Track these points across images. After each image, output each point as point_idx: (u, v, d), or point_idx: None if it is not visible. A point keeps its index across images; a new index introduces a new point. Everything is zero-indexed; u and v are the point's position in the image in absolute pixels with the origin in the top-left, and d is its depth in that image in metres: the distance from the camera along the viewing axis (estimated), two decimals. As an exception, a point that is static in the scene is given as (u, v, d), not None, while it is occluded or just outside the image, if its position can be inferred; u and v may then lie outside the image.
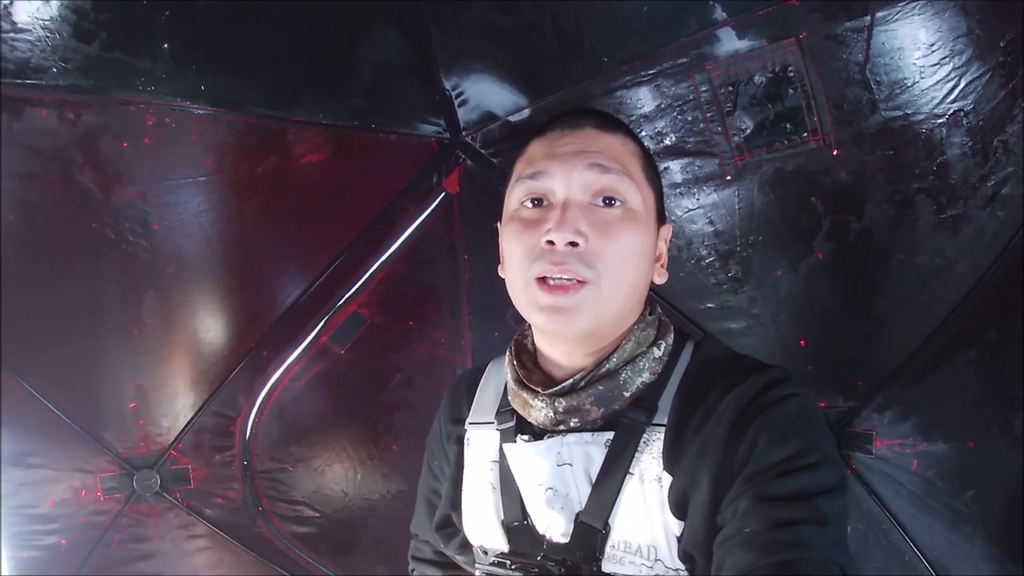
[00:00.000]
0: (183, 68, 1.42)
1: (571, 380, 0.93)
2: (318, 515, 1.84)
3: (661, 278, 1.01)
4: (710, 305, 1.49)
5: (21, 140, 1.39)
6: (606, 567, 0.88)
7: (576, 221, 0.88)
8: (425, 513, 1.17)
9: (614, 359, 0.93)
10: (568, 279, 0.87)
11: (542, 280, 0.89)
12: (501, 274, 1.01)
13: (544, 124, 0.99)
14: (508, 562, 0.96)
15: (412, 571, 1.21)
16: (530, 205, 0.93)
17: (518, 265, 0.92)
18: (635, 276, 0.92)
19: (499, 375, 1.11)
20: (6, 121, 1.36)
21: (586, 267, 0.87)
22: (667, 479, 0.86)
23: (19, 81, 1.33)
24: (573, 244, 0.87)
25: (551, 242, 0.88)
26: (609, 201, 0.91)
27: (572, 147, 0.92)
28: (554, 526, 0.93)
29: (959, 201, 1.15)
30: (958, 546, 1.19)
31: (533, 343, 1.03)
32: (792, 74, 1.23)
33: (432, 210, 1.84)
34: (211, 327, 1.70)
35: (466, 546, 1.06)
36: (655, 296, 1.53)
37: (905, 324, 1.25)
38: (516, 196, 0.95)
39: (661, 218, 1.00)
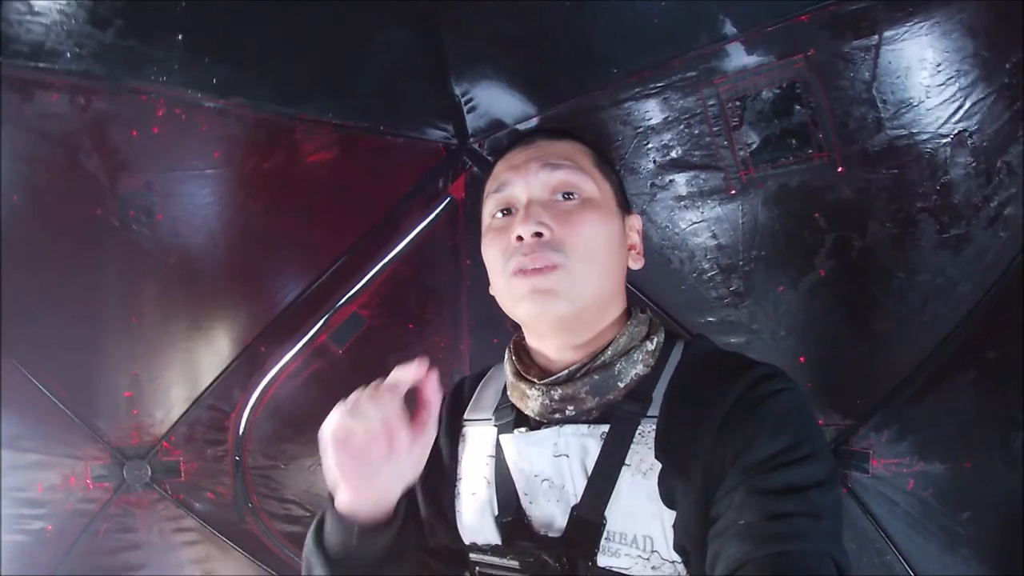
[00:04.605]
0: (196, 59, 1.43)
1: (567, 370, 0.98)
2: (308, 515, 1.82)
3: (637, 263, 1.08)
4: (710, 319, 1.49)
5: (30, 123, 1.39)
6: (602, 560, 0.88)
7: (539, 214, 0.95)
8: None
9: (609, 352, 0.97)
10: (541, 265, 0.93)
11: (518, 273, 0.95)
12: (492, 292, 1.06)
13: (505, 147, 1.10)
14: (503, 557, 0.95)
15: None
16: (500, 216, 1.02)
17: (497, 267, 1.00)
18: (604, 257, 0.98)
19: (500, 378, 1.13)
20: (16, 103, 1.36)
21: (555, 252, 0.93)
22: (658, 468, 0.88)
23: (32, 64, 1.33)
24: (539, 235, 0.94)
25: (520, 237, 0.95)
26: (568, 195, 0.99)
27: (527, 156, 1.02)
28: (550, 519, 0.94)
29: (961, 221, 1.15)
30: (953, 568, 1.19)
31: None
32: (799, 90, 1.24)
33: (437, 214, 1.85)
34: (210, 320, 1.69)
35: (456, 541, 1.05)
36: (656, 310, 1.54)
37: (905, 343, 1.25)
38: (488, 211, 1.04)
39: (626, 208, 1.08)
